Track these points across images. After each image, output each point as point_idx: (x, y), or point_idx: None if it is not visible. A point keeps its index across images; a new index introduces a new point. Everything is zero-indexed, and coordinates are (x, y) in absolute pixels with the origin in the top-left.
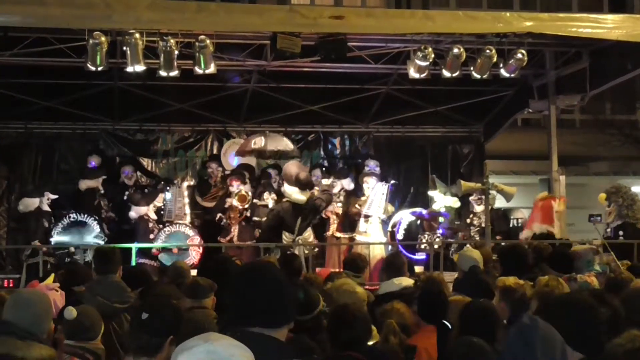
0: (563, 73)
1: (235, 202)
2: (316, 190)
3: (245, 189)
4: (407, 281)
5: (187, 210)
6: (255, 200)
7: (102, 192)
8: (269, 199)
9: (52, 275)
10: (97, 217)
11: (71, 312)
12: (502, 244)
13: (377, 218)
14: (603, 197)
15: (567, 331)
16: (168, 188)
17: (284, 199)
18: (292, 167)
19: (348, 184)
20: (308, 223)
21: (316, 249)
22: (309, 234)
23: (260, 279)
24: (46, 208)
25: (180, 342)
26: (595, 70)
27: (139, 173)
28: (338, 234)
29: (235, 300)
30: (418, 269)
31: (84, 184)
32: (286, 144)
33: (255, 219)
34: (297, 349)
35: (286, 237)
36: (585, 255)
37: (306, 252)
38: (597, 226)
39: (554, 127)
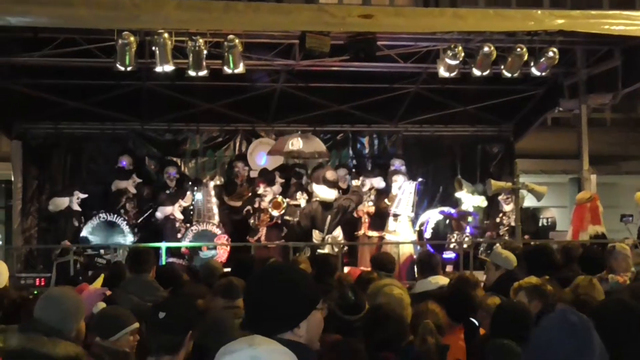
0: (594, 71)
1: (270, 209)
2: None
3: (274, 190)
4: (443, 280)
5: (215, 210)
6: (288, 200)
7: (131, 195)
8: (301, 199)
9: (102, 276)
10: (126, 218)
11: (98, 306)
12: (532, 243)
13: (406, 217)
14: (639, 195)
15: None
16: (196, 188)
17: (314, 199)
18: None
19: (378, 182)
20: (337, 222)
21: (346, 248)
22: (338, 233)
23: (275, 281)
24: (76, 207)
25: (199, 338)
26: (627, 69)
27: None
28: (370, 233)
29: (248, 306)
30: (448, 268)
31: (115, 185)
32: (321, 146)
33: (287, 218)
34: (344, 350)
35: (316, 235)
36: (621, 253)
37: (336, 250)
38: (629, 226)
39: (585, 126)
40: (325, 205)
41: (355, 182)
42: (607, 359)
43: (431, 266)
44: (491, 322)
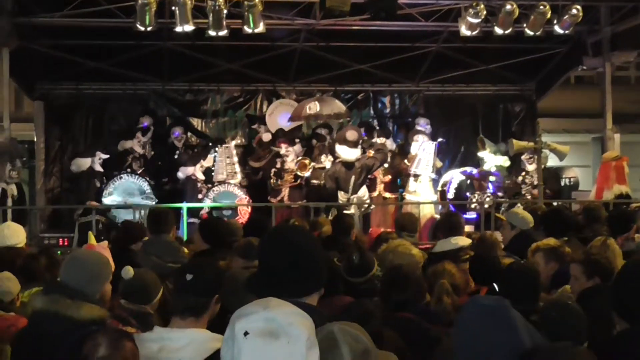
0: (618, 29)
1: (297, 169)
2: (370, 151)
3: (296, 150)
4: (464, 241)
5: (238, 169)
6: (313, 164)
7: (137, 154)
8: (326, 161)
9: (90, 234)
10: (146, 178)
11: (128, 272)
12: (553, 203)
13: (427, 177)
14: None
15: (616, 299)
16: (217, 148)
17: (337, 160)
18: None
19: (391, 143)
20: (362, 181)
21: (372, 207)
22: (363, 193)
23: (281, 245)
24: (98, 168)
25: (222, 300)
26: None
27: (189, 134)
28: (386, 194)
29: (261, 268)
30: (468, 228)
31: (121, 145)
32: (339, 107)
33: (314, 181)
34: (357, 312)
35: (342, 196)
36: None
37: (362, 210)
38: None
39: (609, 84)
40: (348, 165)
41: (379, 141)
42: (528, 333)
43: (453, 226)
44: (500, 283)
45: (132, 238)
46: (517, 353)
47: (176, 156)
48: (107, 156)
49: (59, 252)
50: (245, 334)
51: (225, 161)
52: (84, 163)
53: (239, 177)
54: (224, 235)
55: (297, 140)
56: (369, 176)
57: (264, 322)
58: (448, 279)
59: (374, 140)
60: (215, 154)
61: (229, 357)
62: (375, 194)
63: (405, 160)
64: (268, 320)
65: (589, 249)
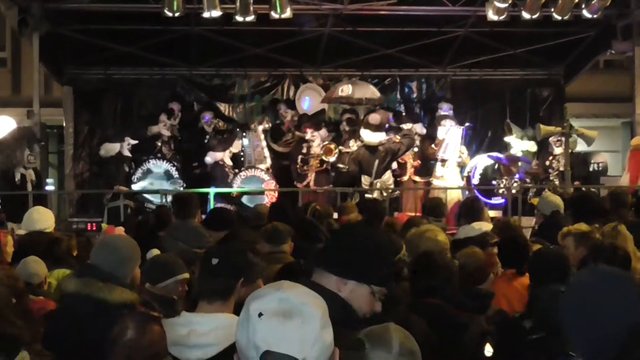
0: None
1: (322, 154)
2: (396, 136)
3: (321, 134)
4: (487, 226)
5: (267, 153)
6: (341, 148)
7: (165, 138)
8: (355, 146)
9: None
10: (175, 164)
11: (151, 254)
12: (582, 189)
13: (454, 162)
14: None
15: None
16: (244, 134)
17: (362, 144)
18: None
19: (420, 128)
20: (386, 166)
21: (397, 192)
22: (388, 177)
23: (361, 235)
24: (127, 153)
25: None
26: None
27: (217, 119)
28: (416, 178)
29: (331, 245)
30: (494, 213)
31: (150, 130)
32: (373, 92)
33: (340, 165)
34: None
35: (365, 180)
36: None
37: (384, 194)
38: None
39: (638, 68)
40: (371, 149)
41: (406, 126)
42: None
43: (475, 211)
44: (529, 268)
45: (163, 223)
46: (629, 316)
47: (206, 141)
48: (135, 142)
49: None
50: (260, 314)
51: (254, 146)
52: (112, 148)
53: (268, 162)
54: (231, 223)
55: (322, 125)
56: (400, 160)
57: (277, 302)
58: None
59: (401, 125)
60: (244, 139)
61: (244, 338)
62: (405, 178)
63: (433, 145)
64: (282, 301)
65: (600, 234)
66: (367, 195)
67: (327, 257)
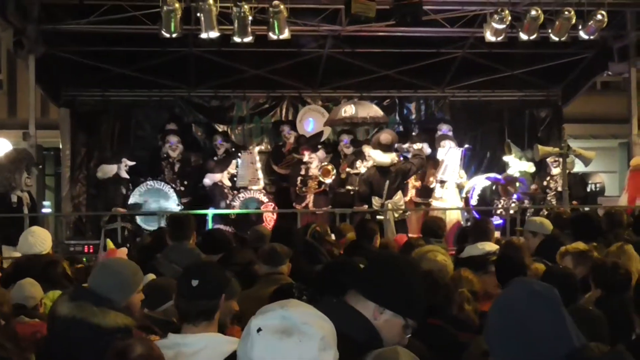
0: None
1: (320, 176)
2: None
3: (319, 156)
4: (490, 246)
5: (260, 175)
6: (348, 169)
7: (171, 159)
8: (362, 167)
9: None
10: (173, 186)
11: (147, 279)
12: (580, 209)
13: (453, 183)
14: None
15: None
16: (240, 154)
17: (371, 164)
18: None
19: (426, 148)
20: (397, 186)
21: (408, 213)
22: (399, 198)
23: (405, 267)
24: (124, 175)
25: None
26: None
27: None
28: (417, 200)
29: (373, 272)
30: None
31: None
32: (376, 111)
33: (349, 187)
34: None
35: (376, 202)
36: None
37: (396, 215)
38: None
39: (635, 89)
40: (382, 170)
41: (417, 146)
42: (575, 331)
43: (482, 232)
44: None
45: (162, 245)
46: (563, 346)
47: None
48: (133, 163)
49: (84, 259)
50: (259, 330)
51: (248, 167)
52: (109, 170)
53: (261, 183)
54: (230, 244)
55: (319, 146)
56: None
57: (279, 319)
58: (466, 286)
59: (410, 145)
60: (239, 159)
61: (243, 353)
62: (406, 199)
63: (433, 169)
64: (284, 318)
65: (605, 254)
66: (378, 217)
67: (368, 284)
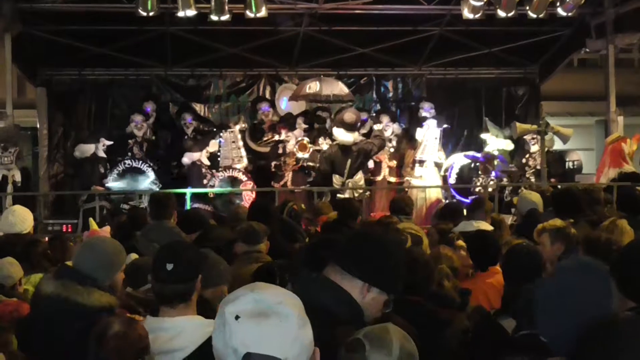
0: (622, 11)
1: (296, 151)
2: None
3: (296, 135)
4: (485, 225)
5: (243, 153)
6: (311, 146)
7: (139, 138)
8: (324, 144)
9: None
10: (151, 164)
11: (130, 258)
12: (559, 186)
13: (432, 162)
14: None
15: (621, 277)
16: (221, 133)
17: (334, 142)
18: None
19: (397, 128)
20: (358, 166)
21: (368, 193)
22: (359, 177)
23: (392, 245)
24: (102, 154)
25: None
26: None
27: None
28: (391, 179)
29: (360, 250)
30: None
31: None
32: (341, 89)
33: (310, 164)
34: None
35: (336, 180)
36: None
37: (356, 195)
38: None
39: (612, 66)
40: (345, 148)
41: (377, 127)
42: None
43: (481, 210)
44: (502, 266)
45: (137, 225)
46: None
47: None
48: (110, 142)
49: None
50: (237, 317)
51: (230, 146)
52: (87, 149)
53: (245, 161)
54: (203, 224)
55: (298, 124)
56: (375, 159)
57: (253, 303)
58: (446, 263)
59: (376, 125)
60: (220, 139)
61: (221, 342)
62: (379, 178)
63: (412, 148)
64: (257, 302)
65: (598, 229)
66: (339, 195)
67: (356, 262)
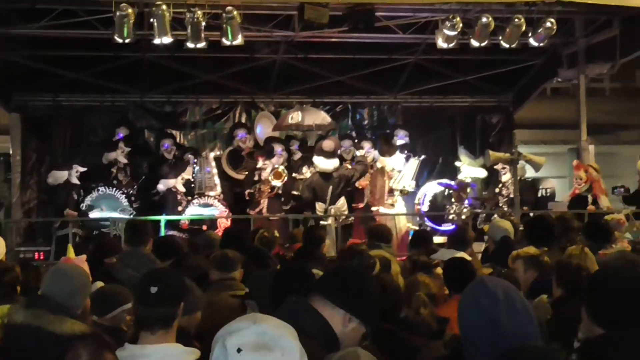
0: (593, 41)
1: (271, 179)
2: (348, 162)
3: (273, 162)
4: (465, 256)
5: (217, 181)
6: (294, 175)
7: (121, 164)
8: (308, 172)
9: (70, 247)
10: (124, 191)
11: (95, 286)
12: (531, 214)
13: (407, 191)
14: None
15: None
16: (195, 160)
17: (315, 170)
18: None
19: (376, 155)
20: (340, 193)
21: (351, 219)
22: (342, 204)
23: (370, 277)
24: (75, 181)
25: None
26: (625, 38)
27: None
28: (373, 208)
29: (343, 281)
30: (444, 239)
31: (106, 157)
32: (323, 118)
33: (295, 192)
34: None
35: (319, 207)
36: (619, 224)
37: (338, 221)
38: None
39: (584, 95)
40: (325, 176)
41: (359, 153)
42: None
43: (464, 241)
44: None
45: (105, 252)
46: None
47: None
48: (84, 169)
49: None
50: (239, 350)
51: (205, 173)
52: (60, 176)
53: (218, 189)
54: (181, 250)
55: (274, 152)
56: (357, 187)
57: (255, 335)
58: (423, 290)
59: (358, 151)
60: (195, 165)
61: None
62: (362, 205)
63: (387, 177)
64: (259, 334)
65: (567, 256)
66: (322, 222)
67: (338, 292)
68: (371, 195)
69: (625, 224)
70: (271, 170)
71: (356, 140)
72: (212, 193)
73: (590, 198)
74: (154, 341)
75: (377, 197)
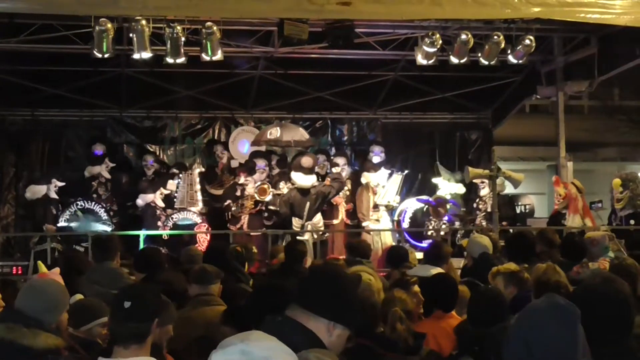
0: (571, 59)
1: (257, 195)
2: (326, 178)
3: (255, 179)
4: (438, 272)
5: (199, 196)
6: (272, 190)
7: (103, 179)
8: (285, 188)
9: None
10: (104, 205)
11: (75, 299)
12: (511, 230)
13: (383, 206)
14: (618, 182)
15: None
16: (181, 175)
17: (293, 186)
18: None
19: (349, 170)
20: (317, 209)
21: (326, 235)
22: (318, 220)
23: (349, 281)
24: (53, 195)
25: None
26: (603, 56)
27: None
28: (348, 222)
29: (309, 285)
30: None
31: (89, 171)
32: (301, 134)
33: (272, 208)
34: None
35: (296, 223)
36: (601, 241)
37: (315, 237)
38: (599, 212)
39: (562, 113)
40: (303, 191)
41: (335, 169)
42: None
43: (440, 256)
44: (468, 308)
45: (74, 268)
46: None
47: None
48: (62, 184)
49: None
50: None
51: (187, 188)
52: (39, 190)
53: (200, 204)
54: (160, 264)
55: (257, 169)
56: (332, 203)
57: (239, 354)
58: (400, 306)
59: (333, 168)
60: (178, 180)
61: None
62: (337, 221)
63: (371, 189)
64: (244, 353)
65: (541, 274)
66: (298, 237)
67: (318, 301)
68: (359, 211)
69: (606, 242)
70: (256, 187)
71: (332, 157)
72: (193, 209)
73: (568, 215)
74: (127, 355)
75: (365, 213)
